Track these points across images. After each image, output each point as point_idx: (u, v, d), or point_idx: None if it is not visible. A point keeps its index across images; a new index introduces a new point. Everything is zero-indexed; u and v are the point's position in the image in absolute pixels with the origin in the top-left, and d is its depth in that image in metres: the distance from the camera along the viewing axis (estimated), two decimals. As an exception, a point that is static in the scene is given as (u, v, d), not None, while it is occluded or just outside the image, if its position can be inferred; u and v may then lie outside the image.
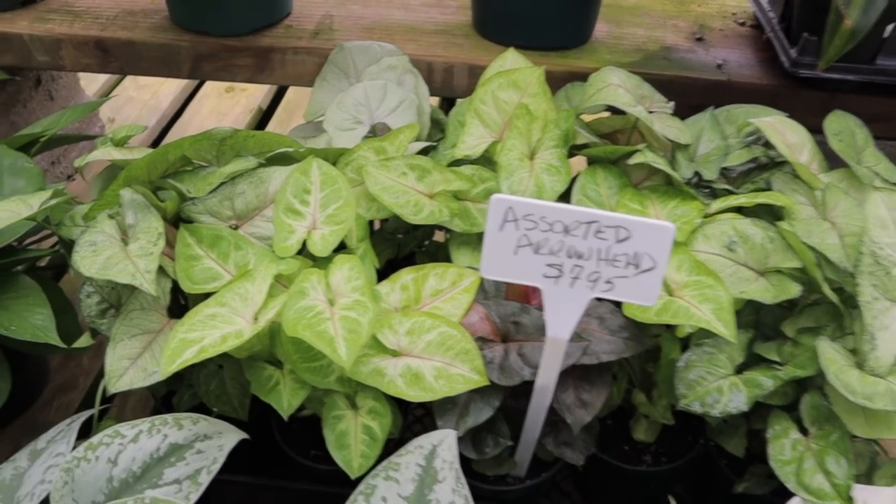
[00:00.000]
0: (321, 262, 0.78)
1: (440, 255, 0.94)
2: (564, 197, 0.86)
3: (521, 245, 0.62)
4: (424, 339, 0.71)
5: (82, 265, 0.69)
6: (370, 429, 0.71)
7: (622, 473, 0.85)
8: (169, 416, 0.69)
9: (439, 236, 0.97)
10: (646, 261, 0.62)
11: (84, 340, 0.76)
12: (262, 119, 1.76)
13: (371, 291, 0.70)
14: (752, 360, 0.75)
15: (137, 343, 0.72)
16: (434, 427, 0.73)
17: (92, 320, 0.76)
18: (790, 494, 0.68)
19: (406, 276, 0.77)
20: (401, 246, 0.96)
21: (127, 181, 0.75)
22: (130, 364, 0.71)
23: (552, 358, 0.68)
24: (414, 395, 0.69)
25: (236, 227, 0.79)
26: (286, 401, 0.71)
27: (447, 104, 1.68)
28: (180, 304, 0.77)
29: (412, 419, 0.97)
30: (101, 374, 0.98)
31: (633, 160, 0.82)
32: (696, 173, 0.86)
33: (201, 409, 0.79)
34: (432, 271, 0.78)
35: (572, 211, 0.61)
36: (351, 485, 0.66)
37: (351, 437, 0.71)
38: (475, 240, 0.87)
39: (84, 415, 0.76)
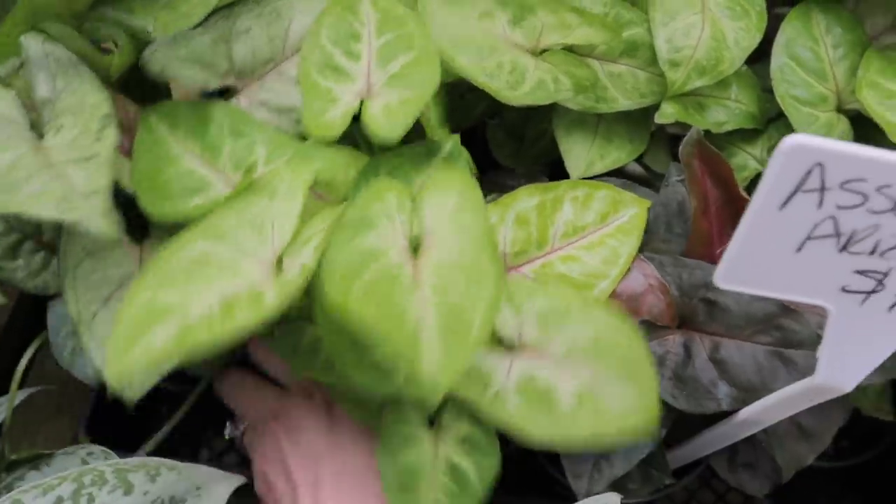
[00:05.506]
0: (382, 160, 0.46)
1: (529, 129, 0.59)
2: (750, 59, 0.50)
3: (814, 236, 0.29)
4: (568, 335, 0.41)
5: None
6: (459, 471, 0.43)
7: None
8: (108, 469, 0.40)
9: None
10: None
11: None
12: None
13: (492, 246, 0.37)
14: None
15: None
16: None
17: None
18: None
19: (525, 200, 0.45)
20: (464, 110, 0.61)
21: (31, 15, 0.40)
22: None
23: (796, 402, 0.37)
24: (536, 431, 0.40)
25: (235, 93, 0.45)
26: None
27: None
28: (141, 224, 0.45)
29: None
30: None
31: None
32: None
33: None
34: (569, 193, 0.46)
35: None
36: None
37: (425, 477, 0.43)
38: (595, 119, 0.53)
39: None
